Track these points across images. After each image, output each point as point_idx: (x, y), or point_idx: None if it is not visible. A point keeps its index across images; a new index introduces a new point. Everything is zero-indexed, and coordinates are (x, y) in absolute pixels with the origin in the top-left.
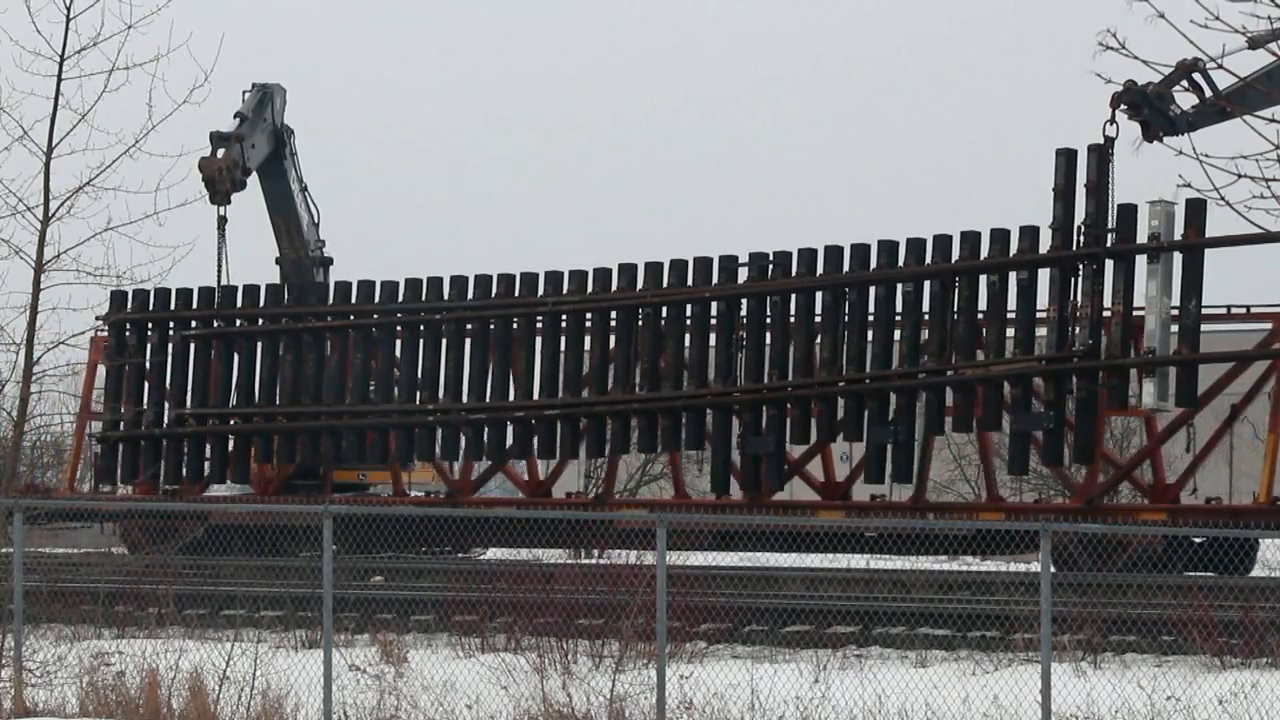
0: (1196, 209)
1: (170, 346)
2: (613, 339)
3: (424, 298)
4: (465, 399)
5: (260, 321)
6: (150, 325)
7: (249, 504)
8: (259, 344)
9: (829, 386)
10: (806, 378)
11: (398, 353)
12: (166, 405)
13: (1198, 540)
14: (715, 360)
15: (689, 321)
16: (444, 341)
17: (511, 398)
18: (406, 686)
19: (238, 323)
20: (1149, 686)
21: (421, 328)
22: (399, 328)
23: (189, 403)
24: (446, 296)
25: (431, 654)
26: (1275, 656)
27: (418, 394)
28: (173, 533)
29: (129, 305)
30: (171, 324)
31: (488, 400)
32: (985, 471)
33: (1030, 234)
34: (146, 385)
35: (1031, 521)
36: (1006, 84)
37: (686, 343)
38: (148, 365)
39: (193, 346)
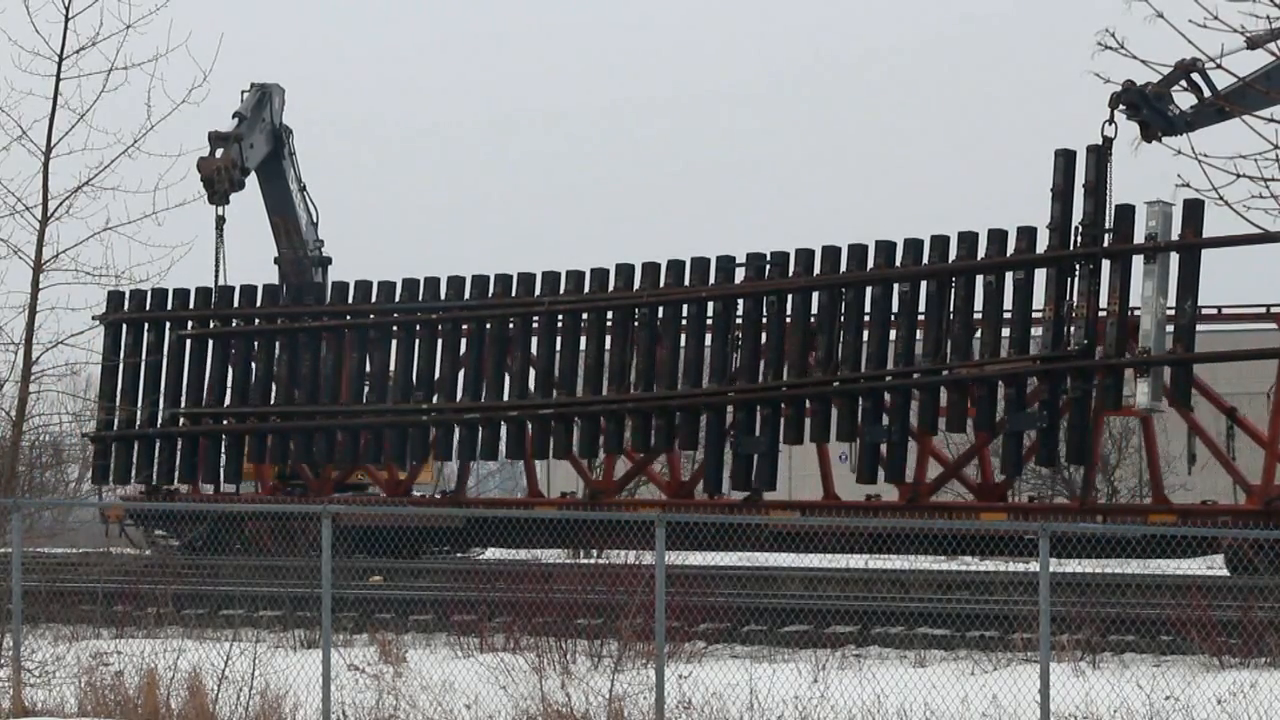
0: (1194, 209)
1: (167, 346)
2: (609, 339)
3: (421, 298)
4: (460, 399)
5: (257, 321)
6: (147, 325)
7: (380, 506)
8: (255, 344)
9: (824, 386)
10: (801, 377)
11: (394, 353)
12: (162, 405)
13: None
14: (710, 360)
15: (685, 321)
16: (440, 342)
17: (506, 398)
18: (405, 686)
19: (234, 323)
20: (1148, 686)
21: (418, 328)
22: (395, 328)
23: (184, 402)
24: (443, 297)
25: (430, 654)
26: (1274, 656)
27: (413, 394)
28: (301, 533)
29: (126, 305)
30: (169, 324)
31: (483, 400)
32: (1153, 474)
33: (1027, 234)
34: (142, 385)
35: (1153, 524)
36: (1005, 84)
37: (682, 343)
38: (143, 365)
39: (189, 346)
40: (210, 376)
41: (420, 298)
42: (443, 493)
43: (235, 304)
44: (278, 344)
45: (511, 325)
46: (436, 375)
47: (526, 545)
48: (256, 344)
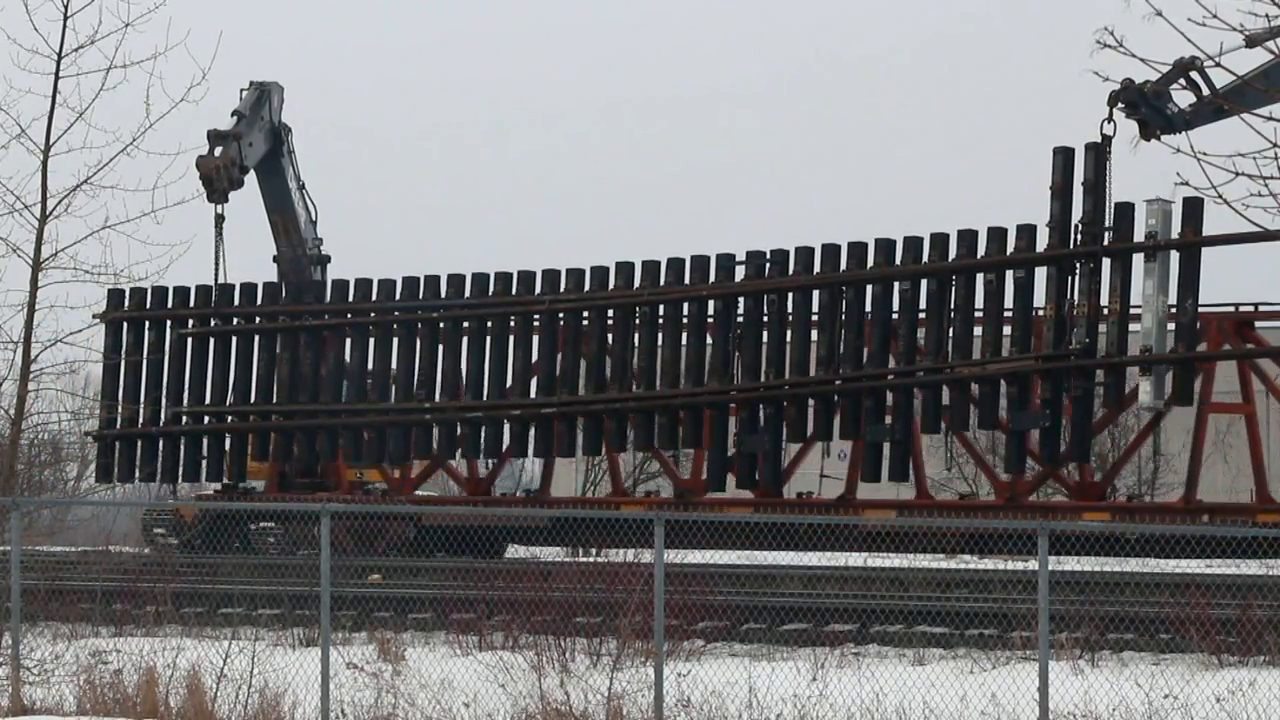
0: (1194, 207)
1: (167, 345)
2: (610, 338)
3: (421, 296)
4: (462, 398)
5: (257, 320)
6: (147, 324)
7: (465, 506)
8: (256, 342)
9: (825, 385)
10: (803, 376)
11: (395, 351)
12: (164, 403)
13: None
14: (712, 359)
15: (686, 320)
16: (441, 340)
17: (508, 396)
18: (404, 685)
19: (235, 321)
20: (1146, 685)
21: (419, 326)
22: (396, 326)
23: (185, 401)
24: (444, 295)
25: (429, 652)
26: (1273, 655)
27: (415, 393)
28: (380, 533)
29: (126, 304)
30: (169, 322)
31: (485, 399)
32: (1256, 473)
33: (1027, 233)
34: (144, 383)
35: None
36: (1004, 83)
37: (684, 341)
38: (145, 363)
39: (190, 345)
40: (212, 375)
41: (420, 296)
42: (526, 491)
43: (236, 302)
44: (279, 342)
45: (513, 324)
46: (439, 374)
47: (613, 545)
48: (257, 342)
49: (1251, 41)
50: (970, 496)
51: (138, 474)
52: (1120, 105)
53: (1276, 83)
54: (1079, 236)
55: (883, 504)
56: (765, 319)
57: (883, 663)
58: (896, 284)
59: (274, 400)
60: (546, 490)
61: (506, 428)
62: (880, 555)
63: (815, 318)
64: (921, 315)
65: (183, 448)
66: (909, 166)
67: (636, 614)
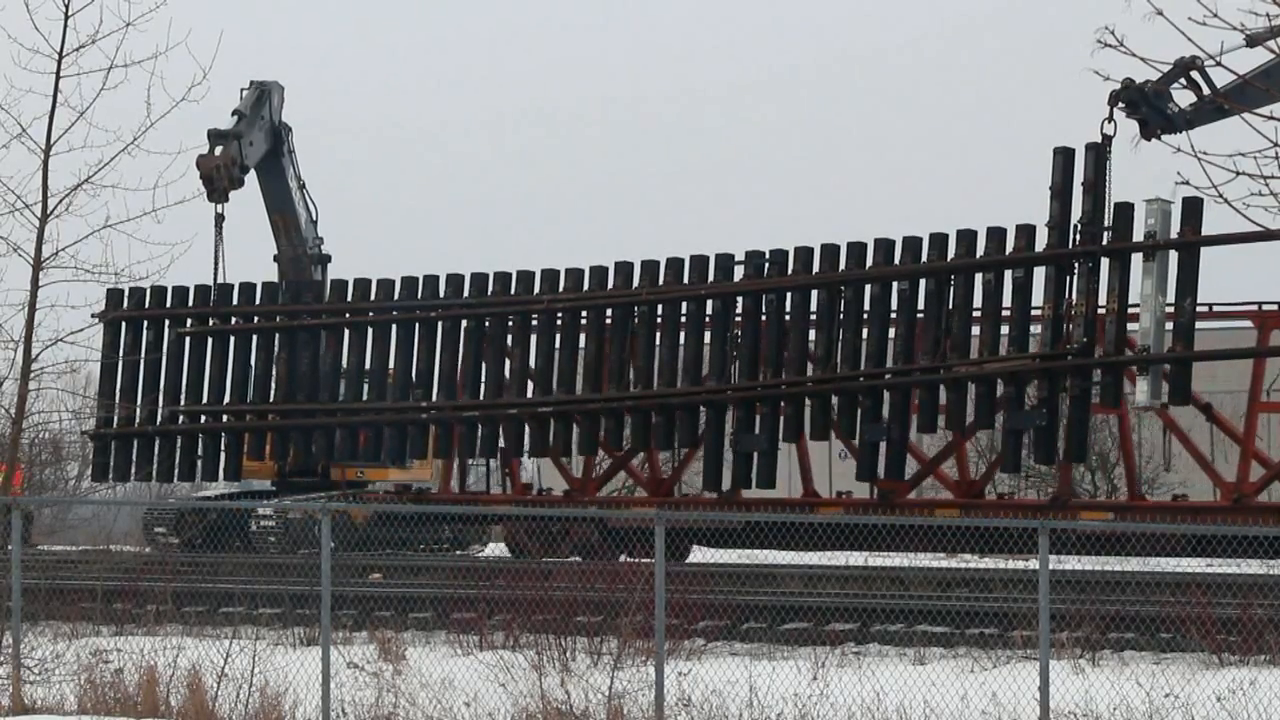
0: (1193, 207)
1: (166, 344)
2: (608, 337)
3: (420, 296)
4: (460, 396)
5: (256, 319)
6: (147, 323)
7: (641, 510)
8: (254, 342)
9: (823, 384)
10: (801, 375)
11: (393, 351)
12: (162, 402)
13: None
14: (710, 358)
15: (684, 319)
16: (439, 340)
17: (505, 395)
18: (405, 684)
19: (233, 320)
20: (1147, 684)
21: (417, 325)
22: (394, 325)
23: (184, 400)
24: (442, 294)
25: (430, 651)
26: (1273, 654)
27: (412, 391)
28: (565, 536)
29: (126, 303)
30: (168, 322)
31: (482, 398)
32: None
33: (1026, 232)
34: (142, 383)
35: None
36: (1004, 82)
37: (681, 340)
38: (143, 363)
39: (189, 344)
40: (210, 374)
41: (419, 296)
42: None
43: (235, 302)
44: (277, 342)
45: (511, 323)
46: (436, 373)
47: (804, 548)
48: (256, 342)
49: (1252, 41)
50: (1181, 498)
51: (133, 473)
52: (1120, 105)
53: (1277, 82)
54: (1078, 236)
55: (1098, 505)
56: (764, 318)
57: (883, 662)
58: (895, 284)
59: (271, 400)
60: (737, 490)
61: (502, 427)
62: (880, 554)
63: (813, 317)
64: (920, 315)
65: (179, 447)
66: (908, 166)
67: (637, 613)
